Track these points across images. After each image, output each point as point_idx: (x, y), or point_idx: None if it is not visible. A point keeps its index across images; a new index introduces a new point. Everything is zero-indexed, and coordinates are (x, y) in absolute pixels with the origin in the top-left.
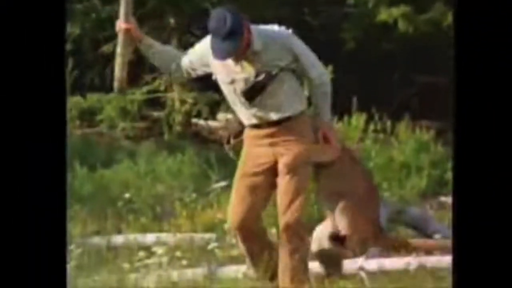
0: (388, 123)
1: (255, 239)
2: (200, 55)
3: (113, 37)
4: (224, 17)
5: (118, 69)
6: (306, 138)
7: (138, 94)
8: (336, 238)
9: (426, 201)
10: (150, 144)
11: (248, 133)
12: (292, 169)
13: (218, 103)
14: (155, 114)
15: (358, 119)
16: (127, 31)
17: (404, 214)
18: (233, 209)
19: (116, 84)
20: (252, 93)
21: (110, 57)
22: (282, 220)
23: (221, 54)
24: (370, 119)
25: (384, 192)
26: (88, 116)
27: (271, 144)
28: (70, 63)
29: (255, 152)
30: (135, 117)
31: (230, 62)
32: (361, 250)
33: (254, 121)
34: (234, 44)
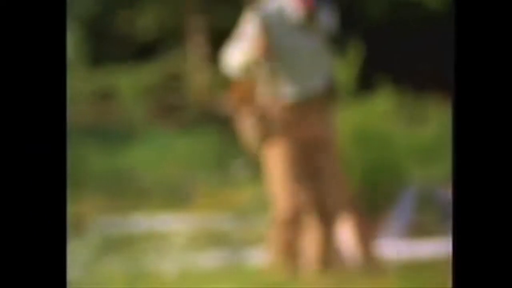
0: (415, 99)
1: (300, 231)
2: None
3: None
4: None
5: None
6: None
7: (156, 73)
8: None
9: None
10: (168, 124)
11: (286, 114)
12: (335, 149)
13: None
14: (174, 93)
15: (383, 96)
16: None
17: (432, 198)
18: (287, 193)
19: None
20: (311, 60)
21: (130, 34)
22: (329, 200)
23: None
24: (396, 95)
25: (410, 176)
26: (104, 95)
27: (311, 123)
28: (89, 40)
29: (296, 132)
30: (152, 96)
31: (298, 28)
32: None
33: (298, 95)
34: None
